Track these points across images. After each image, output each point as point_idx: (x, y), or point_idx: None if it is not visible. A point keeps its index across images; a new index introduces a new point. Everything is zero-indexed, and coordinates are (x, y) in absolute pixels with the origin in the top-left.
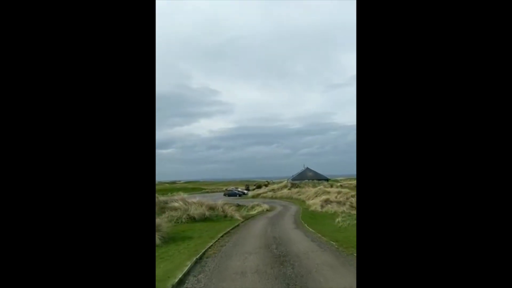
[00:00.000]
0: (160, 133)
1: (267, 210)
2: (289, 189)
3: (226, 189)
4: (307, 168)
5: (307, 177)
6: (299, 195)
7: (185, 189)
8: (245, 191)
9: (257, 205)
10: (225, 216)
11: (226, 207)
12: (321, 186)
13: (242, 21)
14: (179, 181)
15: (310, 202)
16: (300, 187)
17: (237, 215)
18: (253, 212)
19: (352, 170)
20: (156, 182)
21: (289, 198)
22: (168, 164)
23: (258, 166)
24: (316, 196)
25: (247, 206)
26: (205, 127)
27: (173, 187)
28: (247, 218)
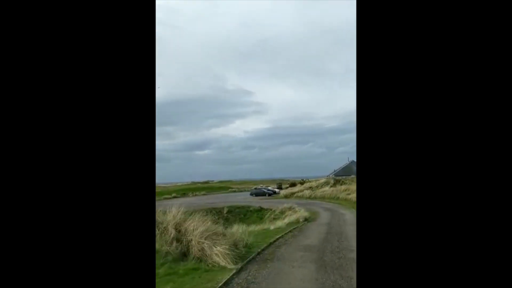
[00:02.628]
0: (197, 135)
1: (305, 220)
2: (332, 186)
3: (254, 188)
4: (353, 162)
5: (353, 171)
6: (348, 194)
7: (208, 188)
8: (276, 190)
9: (290, 208)
10: (185, 255)
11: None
12: None
13: (275, 20)
14: (212, 180)
15: None
16: (346, 183)
17: (223, 262)
18: (281, 224)
19: None
20: (189, 182)
21: (334, 199)
22: (203, 165)
23: (293, 166)
24: None
25: (273, 211)
26: (240, 127)
27: (203, 187)
28: (258, 252)
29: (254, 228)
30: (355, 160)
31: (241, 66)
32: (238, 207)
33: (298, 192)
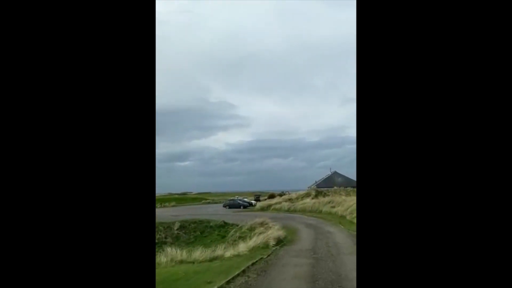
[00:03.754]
0: (178, 146)
1: (278, 242)
2: (313, 198)
3: (228, 200)
4: (335, 173)
5: (336, 183)
6: (333, 206)
7: (182, 199)
8: (253, 202)
9: (262, 224)
10: None
11: None
12: None
13: (261, 36)
14: (191, 192)
15: None
16: (328, 195)
17: None
18: (243, 248)
19: None
20: (166, 194)
21: (316, 212)
22: (183, 177)
23: (275, 179)
24: None
25: (240, 227)
26: (223, 140)
27: (178, 198)
28: None
29: (199, 254)
30: (337, 171)
31: (225, 79)
32: (195, 222)
33: (276, 204)
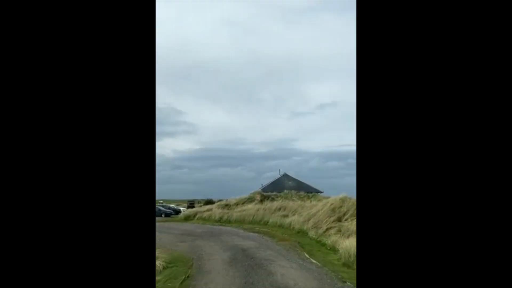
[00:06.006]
0: None
1: None
2: (258, 203)
3: None
4: (285, 175)
5: (286, 187)
6: (285, 215)
7: None
8: (183, 209)
9: None
10: None
11: None
12: (317, 201)
13: (211, 45)
14: None
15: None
16: (277, 200)
17: None
18: None
19: None
20: None
21: (261, 223)
22: None
23: (223, 188)
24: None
25: None
26: (169, 146)
27: None
28: None
29: None
30: (287, 173)
31: (174, 86)
32: None
33: (205, 211)
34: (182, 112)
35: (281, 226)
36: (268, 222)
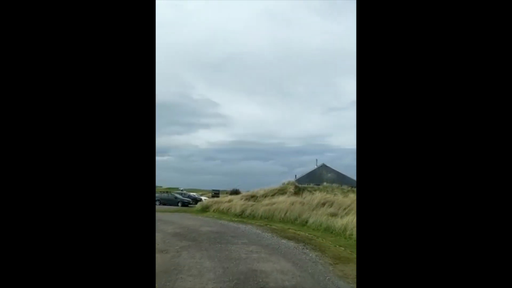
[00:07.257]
0: (158, 140)
1: None
2: (292, 195)
3: (165, 193)
4: (324, 166)
5: (325, 179)
6: (333, 214)
7: None
8: (202, 198)
9: None
10: None
11: None
12: None
13: (247, 38)
14: (160, 186)
15: None
16: (312, 192)
17: None
18: None
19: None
20: None
21: (296, 223)
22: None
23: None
24: None
25: None
26: (203, 138)
27: None
28: None
29: None
30: (326, 164)
31: (209, 77)
32: None
33: (226, 202)
34: (217, 103)
35: (329, 230)
36: (307, 221)
